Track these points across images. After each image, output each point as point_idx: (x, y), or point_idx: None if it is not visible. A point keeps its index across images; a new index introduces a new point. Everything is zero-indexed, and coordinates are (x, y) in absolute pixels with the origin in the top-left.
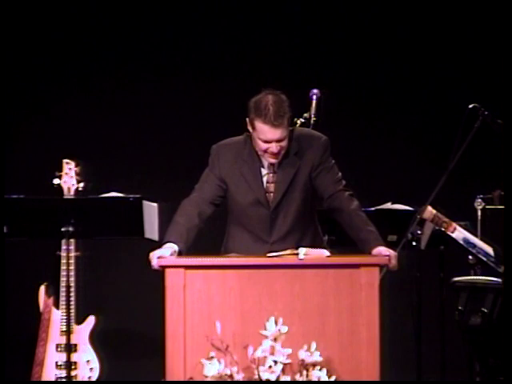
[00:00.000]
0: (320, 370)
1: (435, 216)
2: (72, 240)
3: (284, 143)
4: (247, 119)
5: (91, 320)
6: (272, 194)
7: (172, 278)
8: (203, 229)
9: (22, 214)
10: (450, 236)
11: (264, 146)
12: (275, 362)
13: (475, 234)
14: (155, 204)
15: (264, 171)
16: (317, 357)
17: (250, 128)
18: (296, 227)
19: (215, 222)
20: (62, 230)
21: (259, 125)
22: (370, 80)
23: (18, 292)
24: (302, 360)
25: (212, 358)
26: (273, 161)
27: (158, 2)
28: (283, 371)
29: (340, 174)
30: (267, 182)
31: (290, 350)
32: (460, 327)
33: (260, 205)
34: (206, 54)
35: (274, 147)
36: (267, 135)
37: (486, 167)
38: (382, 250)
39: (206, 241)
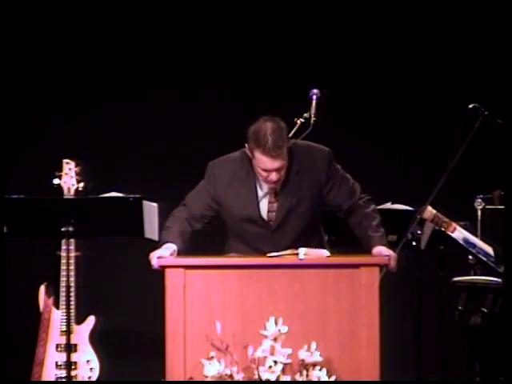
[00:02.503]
0: (320, 369)
1: (435, 216)
2: (72, 240)
3: (283, 171)
4: (246, 145)
5: (91, 320)
6: (274, 214)
7: (172, 278)
8: (203, 229)
9: (22, 213)
10: (450, 236)
11: (264, 174)
12: (275, 362)
13: (475, 234)
14: (155, 204)
15: (261, 192)
16: (317, 357)
17: (249, 154)
18: (298, 241)
19: (215, 222)
20: (62, 229)
21: (258, 155)
22: (370, 80)
23: (18, 292)
24: (302, 360)
25: (212, 358)
26: (273, 186)
27: (159, 4)
28: (283, 371)
29: (351, 181)
30: (269, 202)
31: (290, 350)
32: (460, 327)
33: (258, 224)
34: (206, 54)
35: (273, 176)
36: (266, 165)
37: (486, 167)
38: (383, 249)
39: (206, 241)
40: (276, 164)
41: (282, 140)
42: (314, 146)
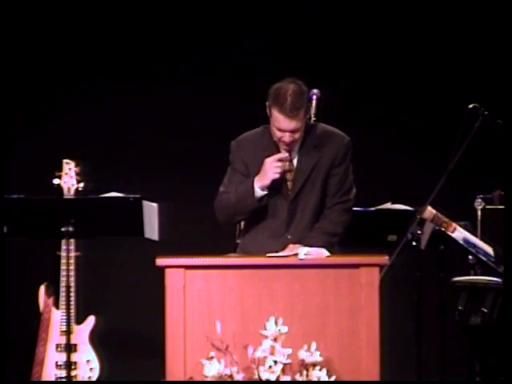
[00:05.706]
0: (320, 370)
1: (435, 216)
2: (72, 240)
3: (298, 135)
4: (267, 103)
5: (91, 320)
6: (290, 184)
7: (172, 278)
8: (203, 229)
9: (21, 213)
10: (450, 236)
11: (278, 134)
12: (275, 362)
13: (475, 234)
14: (155, 204)
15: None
16: (317, 357)
17: (268, 112)
18: (313, 225)
19: (214, 222)
20: (62, 229)
21: (275, 113)
22: (370, 80)
23: (18, 292)
24: (302, 360)
25: (212, 358)
26: (286, 149)
27: (159, 4)
28: (283, 371)
29: (350, 185)
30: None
31: (290, 350)
32: (460, 327)
33: (279, 194)
34: (206, 54)
35: (287, 137)
36: (281, 124)
37: (486, 167)
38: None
39: (206, 241)
40: (292, 125)
41: (300, 102)
42: (336, 130)
